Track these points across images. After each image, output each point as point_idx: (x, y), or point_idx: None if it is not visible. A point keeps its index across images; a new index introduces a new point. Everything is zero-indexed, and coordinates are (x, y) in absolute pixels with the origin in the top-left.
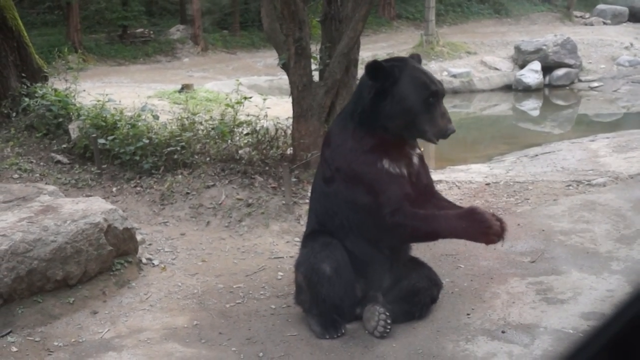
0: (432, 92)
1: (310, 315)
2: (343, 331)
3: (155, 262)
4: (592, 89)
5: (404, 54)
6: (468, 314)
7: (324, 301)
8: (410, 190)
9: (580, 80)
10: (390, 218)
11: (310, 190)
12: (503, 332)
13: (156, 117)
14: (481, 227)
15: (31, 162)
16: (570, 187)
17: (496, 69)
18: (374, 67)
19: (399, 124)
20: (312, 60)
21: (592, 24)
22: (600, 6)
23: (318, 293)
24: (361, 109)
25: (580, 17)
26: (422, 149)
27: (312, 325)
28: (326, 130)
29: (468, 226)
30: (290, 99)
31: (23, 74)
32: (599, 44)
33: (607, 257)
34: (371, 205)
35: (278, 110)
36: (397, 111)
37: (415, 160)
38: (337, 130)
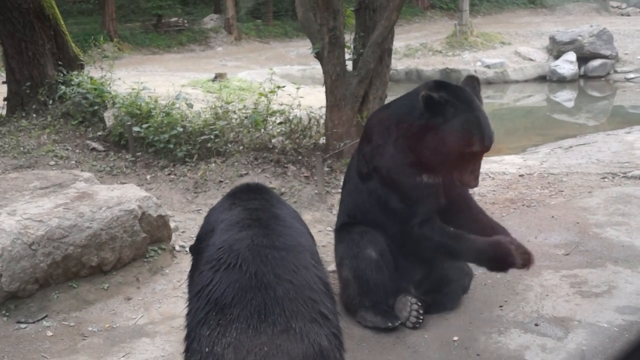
0: (470, 153)
1: (363, 310)
2: (400, 322)
3: (188, 249)
4: (628, 80)
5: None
6: (501, 306)
7: (377, 286)
8: (442, 199)
9: (616, 72)
10: (418, 229)
11: (342, 180)
12: (536, 324)
13: (190, 106)
14: (505, 261)
15: (67, 149)
16: (606, 179)
17: (530, 59)
18: (427, 101)
19: (430, 157)
20: (345, 50)
21: (628, 15)
22: None
23: (368, 280)
24: (407, 124)
25: (617, 7)
26: None
27: (367, 318)
28: (360, 120)
29: (491, 258)
30: (323, 89)
31: (59, 62)
32: (636, 34)
33: None
34: (402, 212)
35: (311, 99)
36: (433, 147)
37: None
38: (380, 128)
